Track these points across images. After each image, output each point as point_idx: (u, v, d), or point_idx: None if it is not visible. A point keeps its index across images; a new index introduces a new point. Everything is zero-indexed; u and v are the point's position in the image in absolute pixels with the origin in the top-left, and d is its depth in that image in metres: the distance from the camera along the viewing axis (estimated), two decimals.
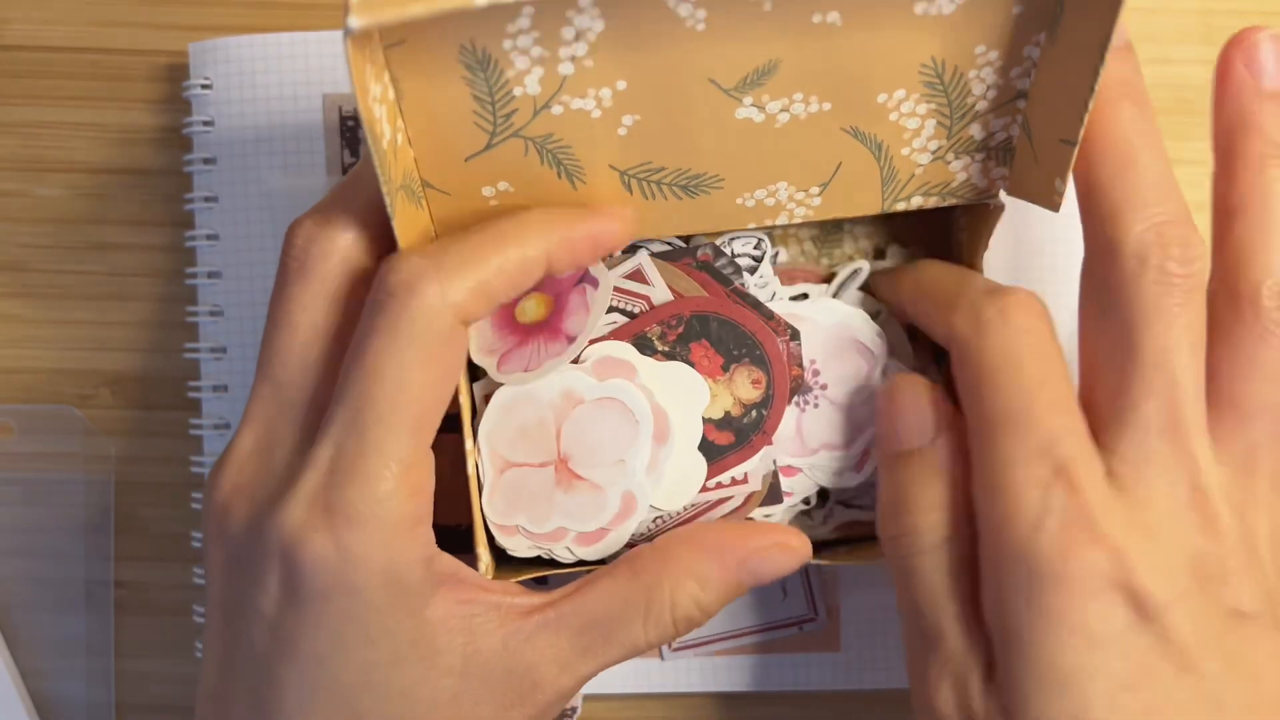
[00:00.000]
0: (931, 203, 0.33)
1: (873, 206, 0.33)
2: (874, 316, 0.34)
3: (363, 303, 0.29)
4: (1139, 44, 0.39)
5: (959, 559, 0.29)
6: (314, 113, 0.38)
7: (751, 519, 0.33)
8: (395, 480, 0.27)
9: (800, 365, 0.33)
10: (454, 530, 0.33)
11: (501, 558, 0.34)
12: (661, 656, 0.39)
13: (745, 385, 0.33)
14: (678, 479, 0.32)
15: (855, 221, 0.36)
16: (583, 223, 0.30)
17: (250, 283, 0.38)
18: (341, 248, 0.29)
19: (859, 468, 0.34)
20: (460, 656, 0.29)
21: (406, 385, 0.27)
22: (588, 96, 0.28)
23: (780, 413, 0.33)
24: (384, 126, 0.27)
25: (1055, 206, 0.31)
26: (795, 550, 0.31)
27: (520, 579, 0.31)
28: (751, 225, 0.33)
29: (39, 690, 0.40)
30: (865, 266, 0.35)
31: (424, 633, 0.28)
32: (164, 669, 0.40)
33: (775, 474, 0.33)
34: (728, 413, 0.33)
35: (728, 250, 0.34)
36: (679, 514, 0.33)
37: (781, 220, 0.33)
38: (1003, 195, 0.33)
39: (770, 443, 0.33)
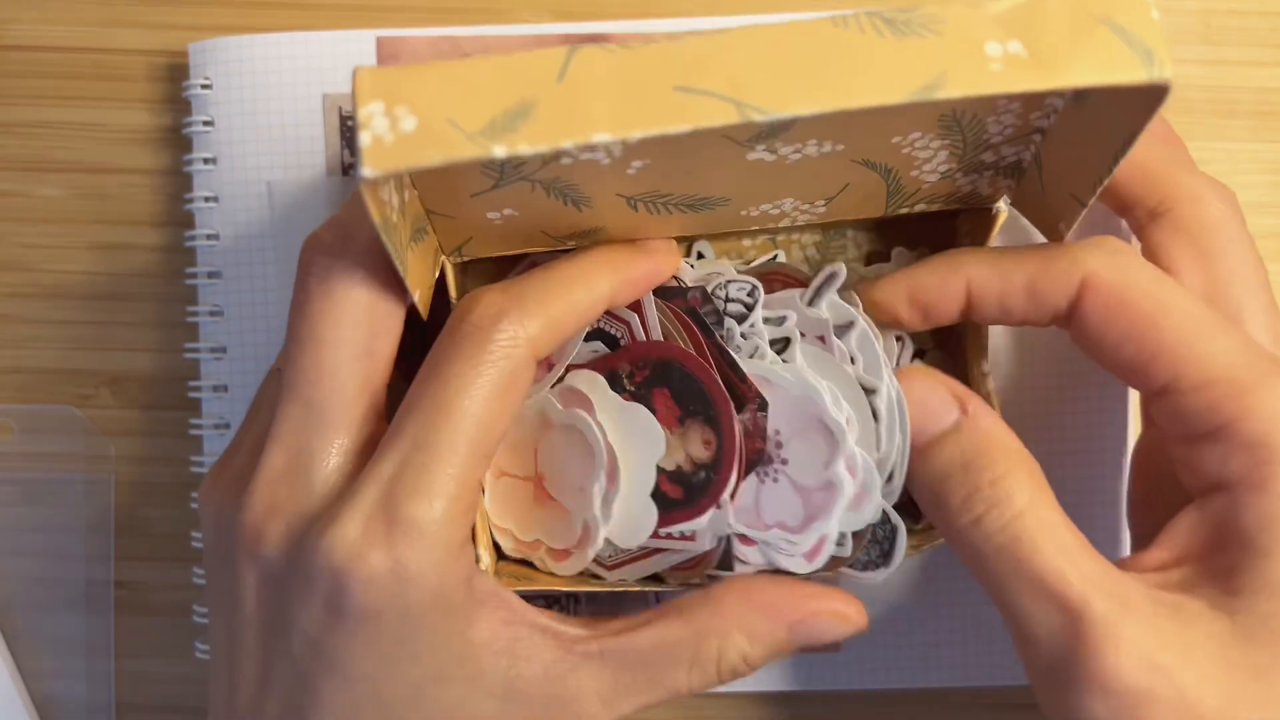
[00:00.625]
0: (935, 207, 0.33)
1: (875, 211, 0.33)
2: (848, 327, 0.32)
3: (387, 320, 0.30)
4: None
5: (1061, 518, 0.28)
6: (314, 113, 0.38)
7: (809, 578, 0.32)
8: (454, 500, 0.28)
9: (764, 438, 0.32)
10: None
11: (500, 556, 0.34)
12: None
13: (697, 444, 0.32)
14: (628, 521, 0.32)
15: (857, 227, 0.36)
16: (642, 262, 0.32)
17: (250, 282, 0.38)
18: (366, 265, 0.29)
19: (810, 557, 0.32)
20: (503, 680, 0.29)
21: (480, 412, 0.28)
22: (598, 151, 0.28)
23: (726, 479, 0.31)
24: (396, 215, 0.27)
25: (1059, 238, 0.31)
26: (850, 620, 0.31)
27: (519, 588, 0.31)
28: (755, 229, 0.33)
29: (39, 690, 0.40)
30: (842, 270, 0.33)
31: (469, 653, 0.28)
32: (164, 669, 0.40)
33: (730, 540, 0.32)
34: (680, 466, 0.32)
35: (722, 293, 0.33)
36: (636, 552, 0.33)
37: (785, 224, 0.33)
38: (1005, 203, 0.33)
39: (717, 506, 0.32)
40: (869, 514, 0.31)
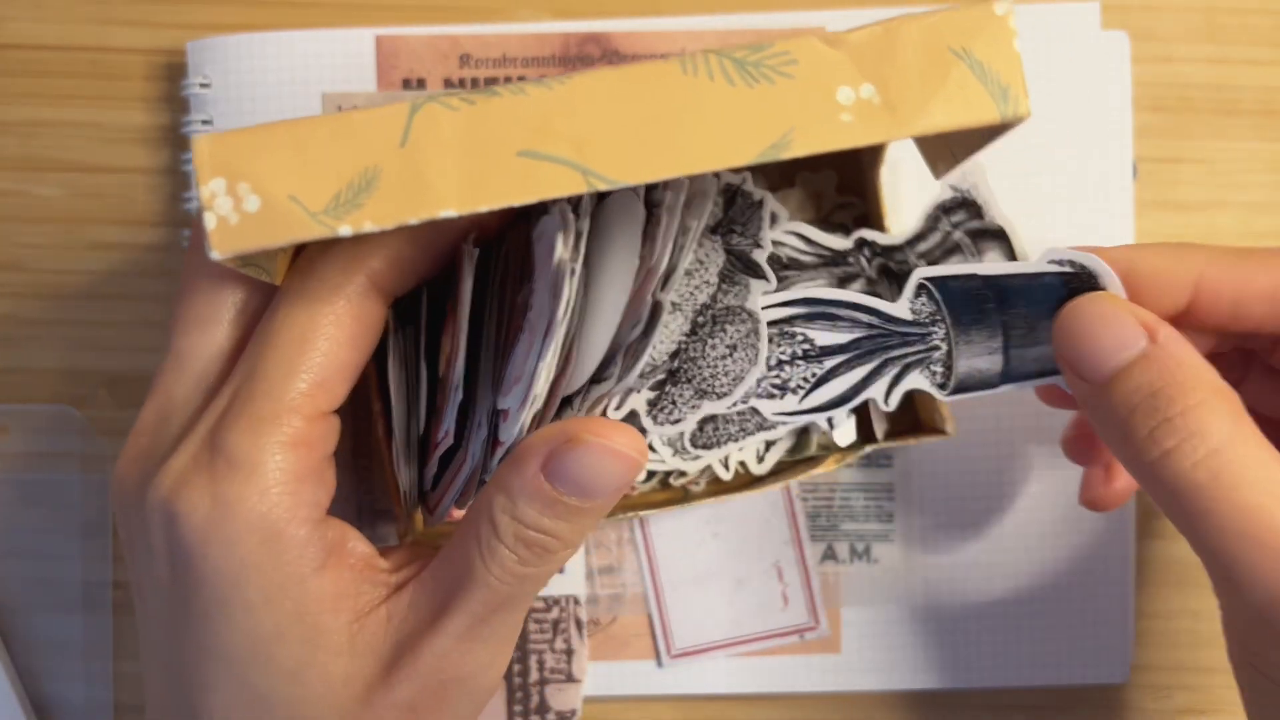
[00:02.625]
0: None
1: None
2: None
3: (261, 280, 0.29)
4: (1142, 41, 0.39)
5: (1269, 453, 0.25)
6: (312, 111, 0.38)
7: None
8: (285, 429, 0.27)
9: (525, 308, 0.28)
10: None
11: None
12: (660, 662, 0.39)
13: (449, 341, 0.29)
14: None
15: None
16: None
17: None
18: None
19: (524, 404, 0.27)
20: (346, 635, 0.28)
21: (313, 339, 0.27)
22: None
23: (453, 364, 0.29)
24: None
25: (937, 177, 0.31)
26: (612, 447, 0.26)
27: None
28: None
29: (37, 692, 0.39)
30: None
31: (307, 607, 0.27)
32: None
33: (488, 444, 0.30)
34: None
35: None
36: (440, 490, 0.31)
37: None
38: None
39: (448, 404, 0.29)
40: (605, 339, 0.28)
